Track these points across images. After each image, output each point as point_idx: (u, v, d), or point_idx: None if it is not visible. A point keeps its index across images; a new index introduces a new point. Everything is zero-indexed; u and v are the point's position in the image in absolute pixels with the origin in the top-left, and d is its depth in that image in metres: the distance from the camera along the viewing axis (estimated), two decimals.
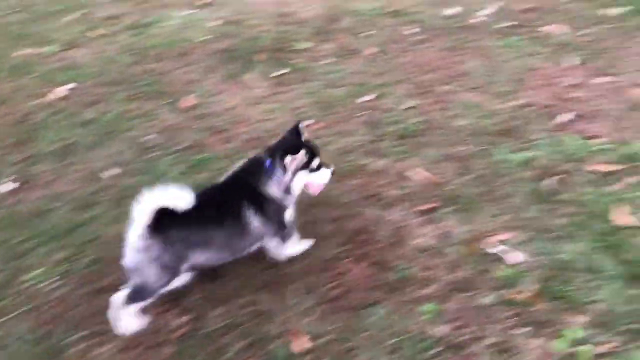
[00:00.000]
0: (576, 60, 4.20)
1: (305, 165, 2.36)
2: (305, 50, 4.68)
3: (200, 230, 2.24)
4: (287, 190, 2.36)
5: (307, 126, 3.05)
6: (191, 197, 2.08)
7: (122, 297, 2.22)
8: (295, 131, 2.45)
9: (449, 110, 3.68)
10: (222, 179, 2.45)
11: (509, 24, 4.95)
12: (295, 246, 2.55)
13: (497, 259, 2.51)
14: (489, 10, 5.29)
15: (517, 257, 2.51)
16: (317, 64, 4.45)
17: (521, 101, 3.71)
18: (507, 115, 3.57)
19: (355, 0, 5.68)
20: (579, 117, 3.50)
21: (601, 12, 5.13)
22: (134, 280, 2.20)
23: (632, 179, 2.92)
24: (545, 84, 3.92)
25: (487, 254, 2.55)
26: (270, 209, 2.36)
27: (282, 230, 2.44)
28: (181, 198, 2.07)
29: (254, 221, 2.32)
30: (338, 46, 4.73)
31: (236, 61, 4.56)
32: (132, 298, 2.21)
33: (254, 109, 3.90)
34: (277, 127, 3.52)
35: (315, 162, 2.39)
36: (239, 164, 2.48)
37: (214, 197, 2.33)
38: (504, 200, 2.87)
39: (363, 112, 3.74)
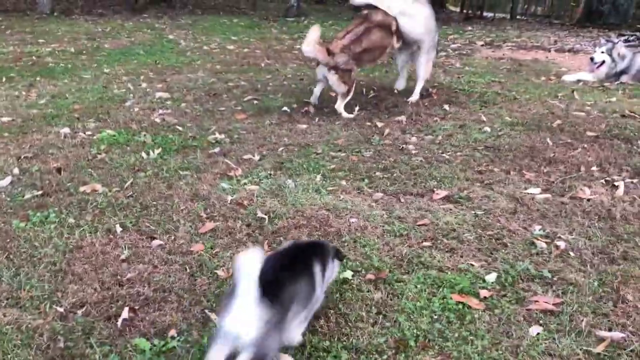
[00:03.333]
0: (120, 226, 3.61)
1: None
2: None
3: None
4: None
5: None
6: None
7: None
8: None
9: None
10: None
11: (36, 193, 4.07)
12: None
13: None
14: (8, 179, 4.30)
15: None
16: None
17: (70, 301, 2.83)
18: (52, 334, 2.61)
19: None
20: (145, 303, 2.84)
21: (134, 159, 4.80)
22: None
23: None
24: (93, 267, 3.14)
25: None
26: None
27: None
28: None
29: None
30: None
31: None
32: None
33: None
34: None
35: None
36: None
37: None
38: None
39: None
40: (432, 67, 7.05)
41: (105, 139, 5.36)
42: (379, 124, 5.86)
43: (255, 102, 6.87)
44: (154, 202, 3.96)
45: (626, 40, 13.75)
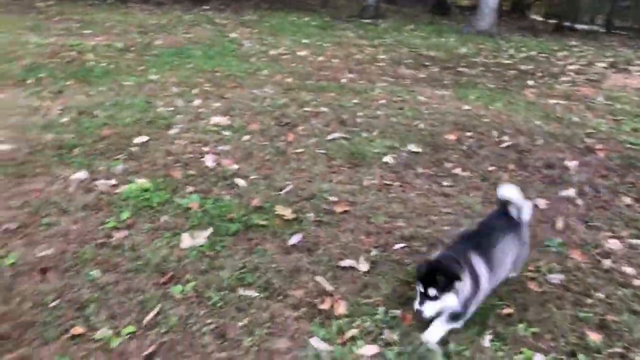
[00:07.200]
0: None
1: None
2: None
3: None
4: None
5: None
6: None
7: None
8: None
9: None
10: None
11: None
12: None
13: None
14: None
15: None
16: None
17: None
18: None
19: None
20: None
21: (166, 252, 2.97)
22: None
23: None
24: None
25: None
26: None
27: None
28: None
29: None
30: None
31: None
32: None
33: None
34: None
35: None
36: None
37: None
38: None
39: None
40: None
41: (133, 196, 3.58)
42: (540, 204, 3.83)
43: (343, 142, 4.92)
44: None
45: None
